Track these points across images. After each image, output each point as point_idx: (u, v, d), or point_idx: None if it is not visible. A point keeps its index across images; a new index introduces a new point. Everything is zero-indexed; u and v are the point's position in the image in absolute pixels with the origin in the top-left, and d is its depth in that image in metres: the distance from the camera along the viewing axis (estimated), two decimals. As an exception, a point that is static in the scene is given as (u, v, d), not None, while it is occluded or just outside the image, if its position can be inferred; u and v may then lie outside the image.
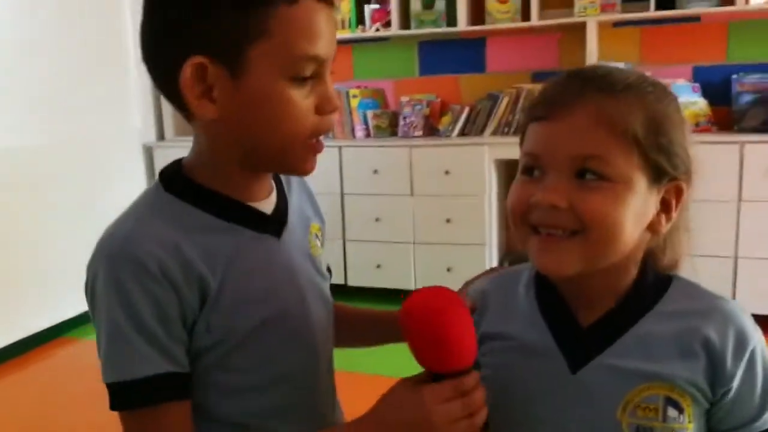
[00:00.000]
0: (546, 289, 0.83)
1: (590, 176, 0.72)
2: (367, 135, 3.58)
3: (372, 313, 1.07)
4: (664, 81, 2.98)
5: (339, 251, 3.53)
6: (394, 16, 3.42)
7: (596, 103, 0.73)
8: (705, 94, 3.15)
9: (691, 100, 3.11)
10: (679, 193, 0.77)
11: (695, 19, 3.18)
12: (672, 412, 0.75)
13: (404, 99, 3.57)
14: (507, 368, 0.83)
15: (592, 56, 3.15)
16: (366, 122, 3.58)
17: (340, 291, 3.59)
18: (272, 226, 0.84)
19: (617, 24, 3.30)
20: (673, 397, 0.75)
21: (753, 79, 3.09)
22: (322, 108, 0.78)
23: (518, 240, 0.78)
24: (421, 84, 3.67)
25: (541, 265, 0.77)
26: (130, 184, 3.79)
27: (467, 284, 0.95)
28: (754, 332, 0.76)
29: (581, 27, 3.16)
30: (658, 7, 3.03)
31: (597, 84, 0.74)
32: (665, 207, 0.77)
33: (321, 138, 0.81)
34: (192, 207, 0.79)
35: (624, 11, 3.13)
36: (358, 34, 3.54)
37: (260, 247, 0.82)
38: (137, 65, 3.76)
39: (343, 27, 3.59)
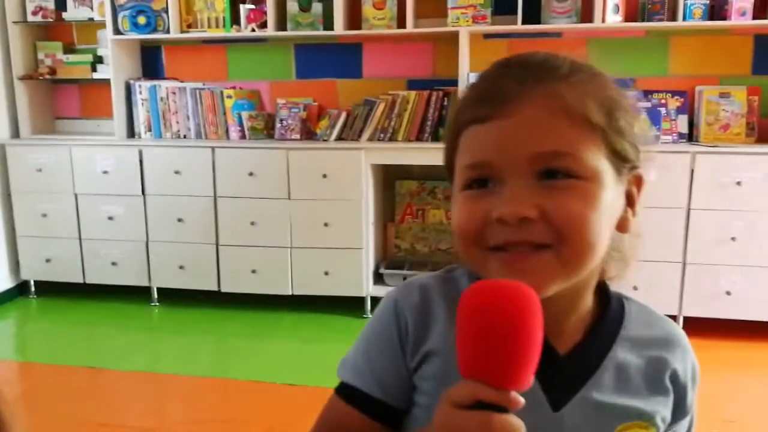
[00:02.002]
0: None
1: (558, 176, 0.62)
2: (242, 137, 3.50)
3: None
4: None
5: (212, 256, 3.42)
6: (271, 18, 3.37)
7: (547, 92, 0.63)
8: (566, 105, 3.34)
9: (554, 111, 3.30)
10: (639, 183, 0.69)
11: (557, 34, 3.38)
12: None
13: (281, 101, 3.52)
14: None
15: (464, 65, 3.26)
16: (241, 123, 3.50)
17: (214, 297, 3.50)
18: None
19: (487, 36, 3.44)
20: None
21: (608, 93, 3.32)
22: None
23: (472, 263, 0.67)
24: (298, 87, 3.64)
25: None
26: (-21, 185, 3.49)
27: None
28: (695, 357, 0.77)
29: (454, 37, 3.26)
30: (525, 21, 3.19)
31: (540, 71, 0.65)
32: (630, 201, 0.68)
33: None
34: None
35: (494, 23, 3.26)
36: (233, 33, 3.46)
37: None
38: (-12, 56, 3.47)
39: (217, 26, 3.48)
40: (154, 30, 3.47)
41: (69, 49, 3.76)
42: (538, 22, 3.23)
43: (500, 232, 0.62)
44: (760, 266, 2.97)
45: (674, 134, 3.22)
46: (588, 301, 0.71)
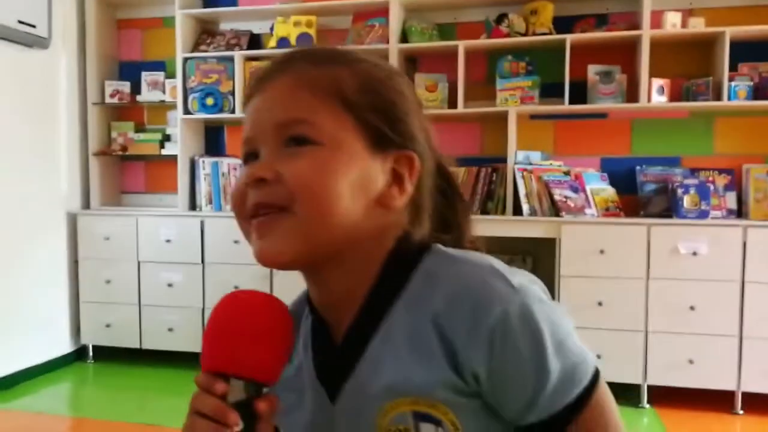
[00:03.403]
0: (313, 310, 0.73)
1: (295, 142, 0.65)
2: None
3: None
4: (575, 170, 3.20)
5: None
6: (329, 99, 3.58)
7: (297, 69, 0.68)
8: (612, 183, 3.42)
9: (601, 188, 3.38)
10: (411, 164, 0.69)
11: (602, 115, 3.51)
12: (427, 428, 0.62)
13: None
14: (292, 418, 0.72)
15: (512, 144, 3.40)
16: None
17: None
18: None
19: (534, 116, 3.58)
20: (421, 410, 0.62)
21: (655, 170, 3.41)
22: None
23: (244, 235, 0.70)
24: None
25: (258, 253, 0.67)
26: (50, 251, 3.69)
27: None
28: (502, 296, 0.61)
29: (501, 117, 3.42)
30: (571, 102, 3.32)
31: (302, 55, 0.70)
32: (397, 179, 0.69)
33: None
34: None
35: (541, 104, 3.41)
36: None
37: None
38: (68, 130, 3.76)
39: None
40: (221, 110, 3.72)
41: (139, 128, 4.05)
42: (585, 103, 3.36)
43: (250, 198, 0.66)
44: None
45: (724, 210, 3.26)
46: (366, 282, 0.68)
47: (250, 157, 0.69)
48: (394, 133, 0.68)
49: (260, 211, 0.66)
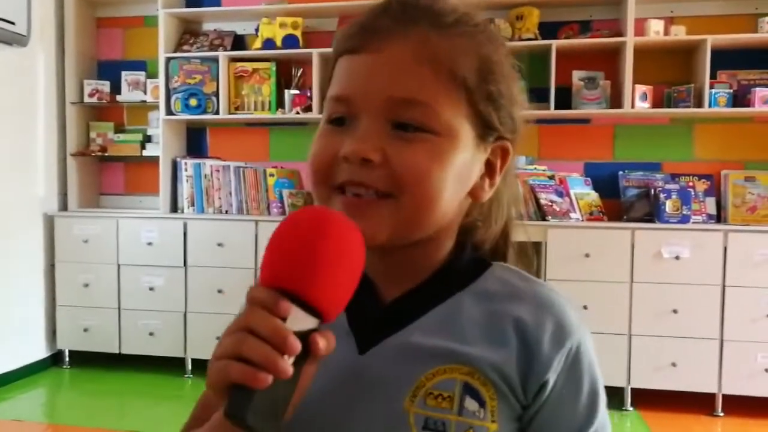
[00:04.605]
0: None
1: (410, 127, 0.60)
2: (282, 213, 3.62)
3: None
4: (559, 174, 3.24)
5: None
6: (315, 102, 3.57)
7: (421, 35, 0.61)
8: (595, 187, 3.47)
9: (585, 192, 3.42)
10: (504, 154, 0.67)
11: (586, 121, 3.56)
12: (470, 404, 0.61)
13: (320, 180, 3.66)
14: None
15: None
16: (282, 200, 3.63)
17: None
18: None
19: (519, 121, 3.61)
20: (473, 384, 0.61)
21: (637, 176, 3.46)
22: None
23: (318, 201, 0.66)
24: (338, 166, 3.79)
25: None
26: (26, 254, 3.60)
27: None
28: (578, 327, 0.64)
29: (488, 121, 3.43)
30: (556, 107, 3.36)
31: (420, 13, 0.62)
32: (489, 170, 0.67)
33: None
34: None
35: (528, 109, 3.43)
36: (278, 115, 3.65)
37: None
38: (46, 132, 3.67)
39: (263, 109, 3.69)
40: (204, 111, 3.67)
41: (119, 129, 3.97)
42: (569, 108, 3.40)
43: (345, 170, 0.61)
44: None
45: (704, 215, 3.32)
46: (437, 257, 0.67)
47: (339, 118, 0.63)
48: (498, 123, 0.65)
49: (354, 188, 0.61)
